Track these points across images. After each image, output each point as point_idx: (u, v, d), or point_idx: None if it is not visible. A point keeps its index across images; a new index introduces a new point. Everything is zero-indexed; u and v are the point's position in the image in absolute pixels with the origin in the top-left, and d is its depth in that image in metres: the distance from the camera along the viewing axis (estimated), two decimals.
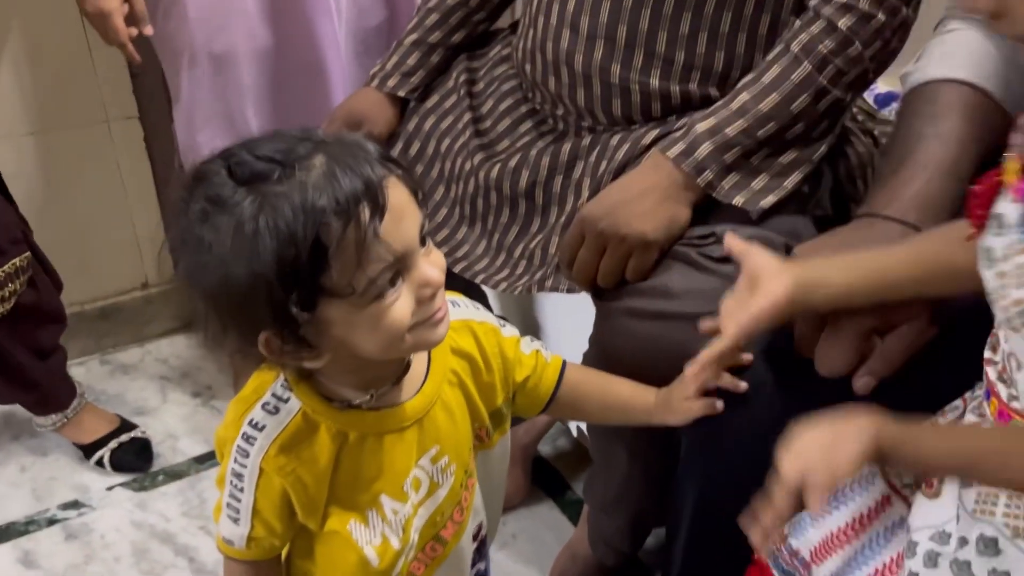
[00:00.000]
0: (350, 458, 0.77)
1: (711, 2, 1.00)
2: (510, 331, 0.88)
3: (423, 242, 0.70)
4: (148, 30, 1.31)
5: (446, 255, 1.15)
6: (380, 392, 0.76)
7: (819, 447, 0.67)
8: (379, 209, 0.65)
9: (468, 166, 1.16)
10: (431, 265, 0.70)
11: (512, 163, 1.12)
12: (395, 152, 1.23)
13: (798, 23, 0.97)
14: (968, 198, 0.66)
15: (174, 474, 1.55)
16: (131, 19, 1.28)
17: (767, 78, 0.96)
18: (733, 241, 0.83)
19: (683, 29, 1.01)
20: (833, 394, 0.73)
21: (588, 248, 0.97)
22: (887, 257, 0.76)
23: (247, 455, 0.75)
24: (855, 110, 1.12)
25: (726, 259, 0.92)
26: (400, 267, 0.68)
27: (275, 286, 0.64)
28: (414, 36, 1.26)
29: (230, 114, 1.39)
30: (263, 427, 0.75)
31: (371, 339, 0.69)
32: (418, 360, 0.80)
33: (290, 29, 1.39)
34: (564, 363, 0.91)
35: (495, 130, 1.18)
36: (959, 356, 0.73)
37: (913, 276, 0.75)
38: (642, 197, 0.96)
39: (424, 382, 0.79)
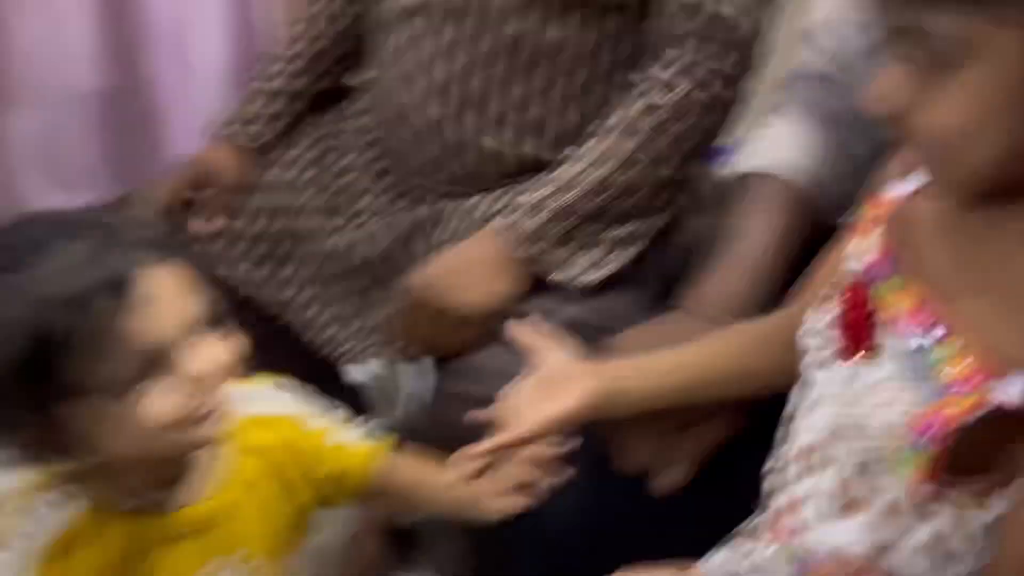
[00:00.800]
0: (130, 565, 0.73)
1: (542, 69, 1.04)
2: (321, 421, 0.86)
3: (205, 330, 0.68)
4: None
5: (292, 319, 1.17)
6: (151, 496, 0.73)
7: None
8: (124, 303, 0.63)
9: (311, 225, 1.18)
10: (203, 358, 0.68)
11: (355, 232, 1.15)
12: (240, 202, 1.21)
13: (623, 100, 1.02)
14: (842, 327, 0.69)
15: None
16: None
17: (592, 154, 1.01)
18: (520, 332, 0.85)
19: (515, 92, 1.05)
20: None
21: (417, 319, 1.01)
22: (685, 363, 0.81)
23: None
24: (686, 191, 1.17)
25: None
26: (157, 362, 0.65)
27: (14, 384, 0.63)
28: (263, 86, 1.25)
29: (55, 156, 1.38)
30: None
31: (127, 439, 0.67)
32: (207, 460, 0.76)
33: (129, 72, 1.39)
34: (380, 452, 0.89)
35: (343, 190, 1.20)
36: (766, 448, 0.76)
37: (711, 380, 0.79)
38: (467, 270, 1.00)
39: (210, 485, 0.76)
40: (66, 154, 1.38)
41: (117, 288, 0.63)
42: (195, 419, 0.69)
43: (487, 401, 0.91)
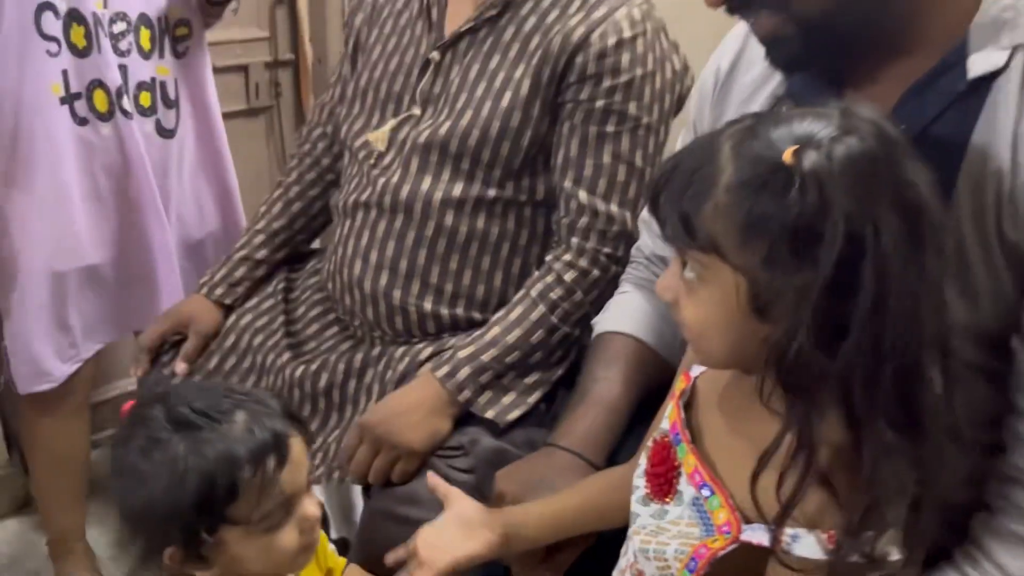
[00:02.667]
0: None
1: (474, 246, 1.23)
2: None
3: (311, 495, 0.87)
4: None
5: None
6: None
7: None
8: (282, 461, 0.82)
9: (278, 362, 1.32)
10: (313, 504, 0.87)
11: (314, 365, 1.28)
12: (213, 344, 1.39)
13: (537, 273, 1.22)
14: (650, 476, 0.81)
15: None
16: None
17: (513, 316, 1.19)
18: (437, 482, 1.00)
19: (452, 265, 1.23)
20: None
21: (364, 451, 1.14)
22: (567, 506, 0.95)
23: None
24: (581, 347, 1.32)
25: (470, 470, 1.12)
26: (290, 505, 0.84)
27: (191, 514, 0.80)
28: (242, 253, 1.45)
29: (61, 328, 1.51)
30: None
31: (260, 560, 0.84)
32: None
33: (122, 247, 1.53)
34: (346, 565, 1.04)
35: (304, 333, 1.37)
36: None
37: (587, 518, 0.93)
38: (412, 411, 1.14)
39: None
40: (66, 320, 1.50)
41: (280, 450, 0.81)
42: (311, 549, 0.87)
43: (416, 521, 1.04)
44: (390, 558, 0.98)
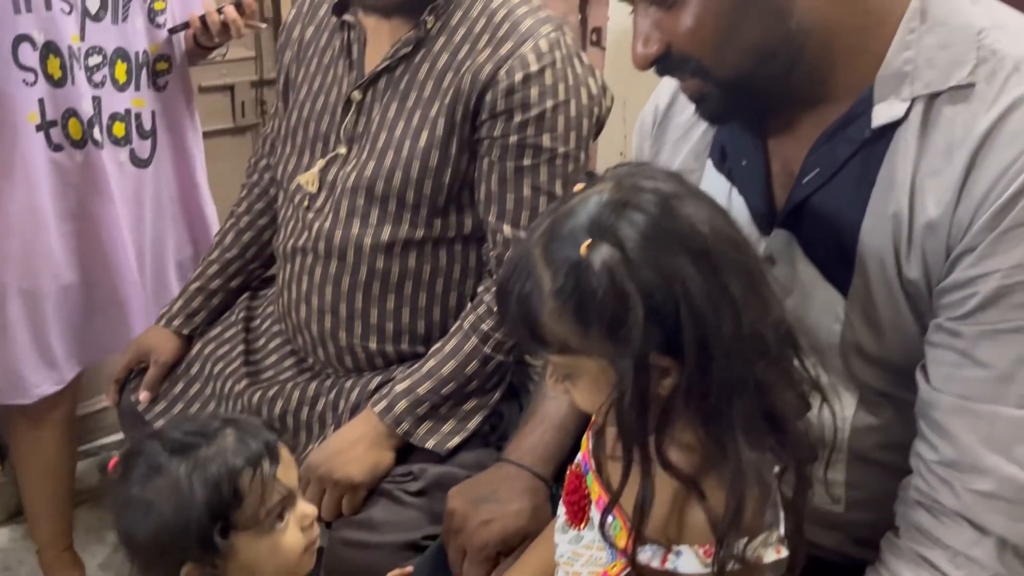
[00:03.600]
0: None
1: (408, 285, 1.26)
2: None
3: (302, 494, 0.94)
4: None
5: None
6: None
7: None
8: (275, 461, 0.89)
9: (236, 388, 1.36)
10: (308, 503, 0.94)
11: (271, 392, 1.33)
12: (178, 371, 1.43)
13: (469, 306, 1.24)
14: (566, 503, 0.86)
15: None
16: None
17: (447, 348, 1.22)
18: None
19: (389, 305, 1.27)
20: None
21: (311, 491, 1.18)
22: (543, 560, 0.95)
23: None
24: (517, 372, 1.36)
25: (421, 492, 1.16)
26: (287, 503, 0.90)
27: (204, 523, 0.85)
28: (197, 284, 1.49)
29: (38, 345, 1.56)
30: None
31: (270, 562, 0.89)
32: None
33: (93, 270, 1.58)
34: None
35: (263, 362, 1.41)
36: None
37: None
38: (353, 446, 1.19)
39: None
40: (45, 340, 1.55)
41: (272, 452, 0.89)
42: (314, 548, 0.92)
43: (374, 545, 1.12)
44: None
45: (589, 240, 0.70)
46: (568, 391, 0.79)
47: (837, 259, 0.84)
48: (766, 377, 0.72)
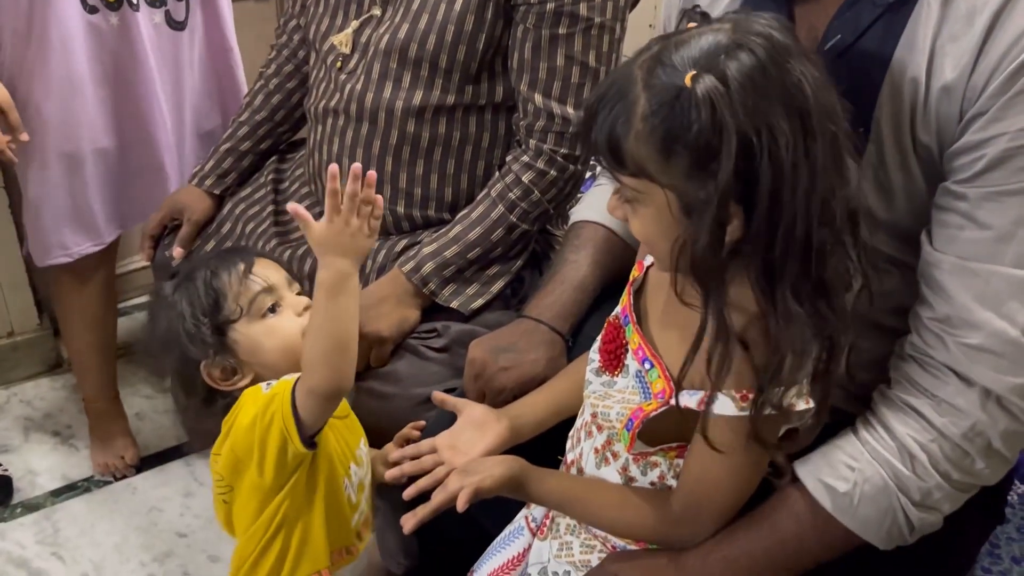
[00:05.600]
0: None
1: (438, 152, 1.29)
2: None
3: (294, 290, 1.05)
4: (24, 137, 1.46)
5: None
6: None
7: (477, 456, 0.98)
8: (248, 263, 1.03)
9: (266, 248, 1.41)
10: (295, 296, 1.04)
11: (300, 251, 1.37)
12: (209, 230, 1.48)
13: (498, 175, 1.28)
14: (602, 352, 0.92)
15: (31, 506, 1.76)
16: (6, 128, 1.45)
17: (474, 215, 1.27)
18: (444, 397, 1.09)
19: (418, 170, 1.31)
20: None
21: None
22: (557, 389, 1.06)
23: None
24: (540, 240, 1.41)
25: (444, 349, 1.22)
26: (276, 297, 1.02)
27: (199, 320, 1.00)
28: (227, 145, 1.53)
29: (77, 207, 1.61)
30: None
31: (272, 342, 1.01)
32: None
33: (130, 134, 1.61)
34: None
35: (292, 222, 1.44)
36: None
37: (573, 399, 1.02)
38: (381, 303, 1.24)
39: None
40: (85, 204, 1.58)
41: (246, 259, 1.02)
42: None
43: (395, 396, 1.19)
44: (395, 455, 1.08)
45: (694, 71, 0.72)
46: (627, 216, 0.81)
47: (853, 124, 0.86)
48: (824, 246, 0.75)
